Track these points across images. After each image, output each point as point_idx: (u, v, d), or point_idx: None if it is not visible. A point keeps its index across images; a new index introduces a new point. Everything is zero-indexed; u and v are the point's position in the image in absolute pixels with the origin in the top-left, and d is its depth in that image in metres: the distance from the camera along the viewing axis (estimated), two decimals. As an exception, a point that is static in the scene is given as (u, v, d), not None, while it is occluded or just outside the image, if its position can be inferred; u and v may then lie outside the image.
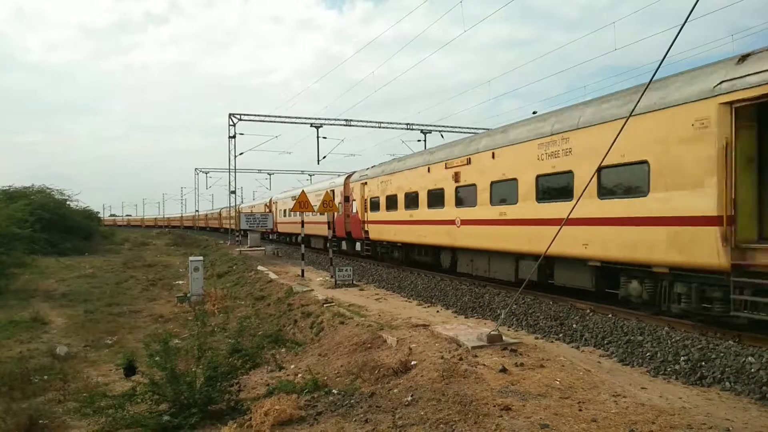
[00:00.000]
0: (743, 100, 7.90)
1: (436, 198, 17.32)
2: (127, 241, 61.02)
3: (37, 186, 46.05)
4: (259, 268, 24.14)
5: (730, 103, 8.04)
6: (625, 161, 9.77)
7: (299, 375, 9.04)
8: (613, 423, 5.13)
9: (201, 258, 22.68)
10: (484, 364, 7.05)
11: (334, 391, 7.25)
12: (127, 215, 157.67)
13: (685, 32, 6.14)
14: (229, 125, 37.92)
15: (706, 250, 8.30)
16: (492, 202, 14.18)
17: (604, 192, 10.46)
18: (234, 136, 38.33)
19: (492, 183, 14.14)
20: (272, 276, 20.81)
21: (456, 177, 16.01)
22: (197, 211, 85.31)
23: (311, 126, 37.26)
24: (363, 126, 38.48)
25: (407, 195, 19.54)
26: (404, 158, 21.70)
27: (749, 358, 7.06)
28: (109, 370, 11.93)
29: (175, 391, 7.29)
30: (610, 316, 10.26)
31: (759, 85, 7.67)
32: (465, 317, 11.57)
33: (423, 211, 18.22)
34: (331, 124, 37.73)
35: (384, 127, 38.92)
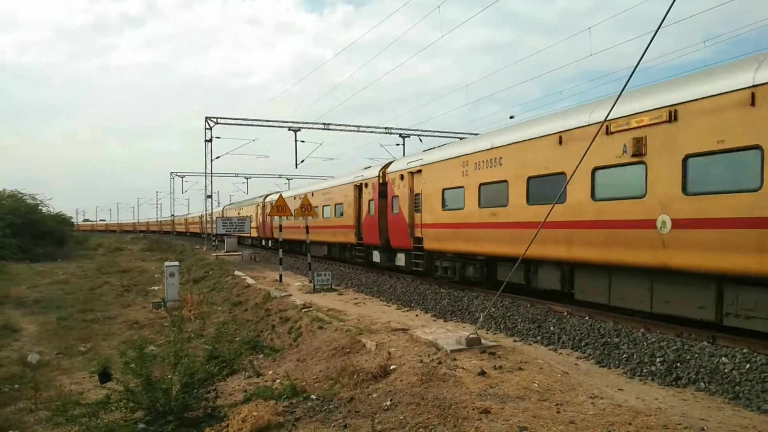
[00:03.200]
0: None
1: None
2: (101, 246, 60.13)
3: (8, 191, 45.38)
4: (236, 273, 23.92)
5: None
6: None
7: (277, 381, 8.97)
8: (591, 424, 5.17)
9: (177, 263, 22.40)
10: (463, 368, 7.07)
11: (312, 396, 7.20)
12: (101, 220, 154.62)
13: (661, 39, 6.25)
14: (206, 128, 37.64)
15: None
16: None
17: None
18: (210, 140, 38.08)
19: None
20: (249, 281, 20.63)
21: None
22: (173, 215, 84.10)
23: (289, 129, 37.08)
24: (341, 130, 38.37)
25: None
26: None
27: (723, 358, 7.19)
28: (82, 378, 11.69)
29: (150, 398, 7.18)
30: (587, 318, 10.35)
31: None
32: (444, 321, 11.59)
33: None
34: (309, 128, 37.63)
35: (363, 131, 38.87)
